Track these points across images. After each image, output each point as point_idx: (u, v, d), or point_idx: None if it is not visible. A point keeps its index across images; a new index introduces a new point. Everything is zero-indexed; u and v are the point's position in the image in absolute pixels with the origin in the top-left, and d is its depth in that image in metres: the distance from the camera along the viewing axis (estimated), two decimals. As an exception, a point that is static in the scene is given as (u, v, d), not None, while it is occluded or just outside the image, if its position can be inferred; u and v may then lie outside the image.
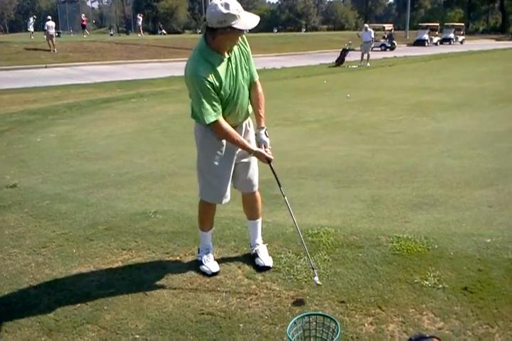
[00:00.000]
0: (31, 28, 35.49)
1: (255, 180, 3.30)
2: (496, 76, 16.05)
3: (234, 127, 2.99)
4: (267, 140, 3.09)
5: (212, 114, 2.85)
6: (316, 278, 2.98)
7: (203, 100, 2.82)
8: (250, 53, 3.02)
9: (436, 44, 42.49)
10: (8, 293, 3.12)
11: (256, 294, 3.01)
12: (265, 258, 3.34)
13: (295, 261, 3.37)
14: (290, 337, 2.30)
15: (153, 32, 56.14)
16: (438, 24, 46.83)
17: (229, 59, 2.87)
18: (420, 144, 6.93)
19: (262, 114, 3.09)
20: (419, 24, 48.48)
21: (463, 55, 29.31)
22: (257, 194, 3.38)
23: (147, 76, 18.19)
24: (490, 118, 8.80)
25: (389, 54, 30.20)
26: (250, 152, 3.02)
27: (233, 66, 2.89)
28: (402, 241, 3.59)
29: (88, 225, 4.20)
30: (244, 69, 2.96)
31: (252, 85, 3.07)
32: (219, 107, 2.87)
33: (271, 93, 13.11)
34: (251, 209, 3.40)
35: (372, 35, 21.92)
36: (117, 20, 64.68)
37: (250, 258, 3.41)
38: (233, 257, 3.47)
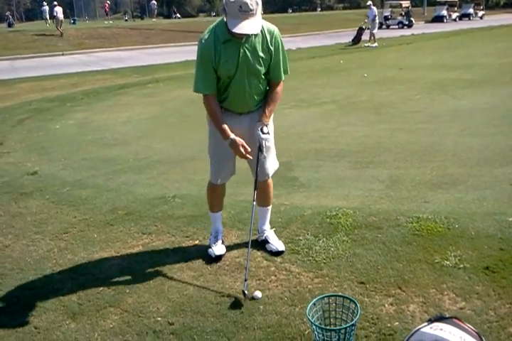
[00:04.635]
0: (47, 16, 35.55)
1: (266, 170, 3.22)
2: (517, 51, 15.65)
3: (237, 115, 3.04)
4: (263, 136, 2.97)
5: (202, 85, 2.91)
6: (246, 292, 2.79)
7: (199, 68, 2.89)
8: (280, 51, 2.95)
9: (455, 20, 41.52)
10: (32, 278, 3.19)
11: (275, 276, 3.03)
12: (276, 243, 3.34)
13: (314, 243, 3.38)
14: (310, 318, 2.31)
15: (168, 16, 55.78)
16: (457, -1, 45.73)
17: (239, 42, 2.81)
18: (439, 123, 6.82)
19: (266, 111, 3.01)
20: (437, 0, 47.32)
21: (482, 30, 28.59)
22: (269, 181, 3.34)
23: (163, 61, 18.17)
24: (511, 95, 8.61)
25: (406, 31, 29.63)
26: (225, 139, 2.95)
27: (241, 50, 2.83)
28: (422, 221, 3.57)
29: (108, 210, 4.25)
30: (256, 60, 2.88)
31: (273, 84, 3.04)
32: (212, 82, 2.90)
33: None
34: (260, 196, 3.30)
35: (375, 13, 21.36)
36: (132, 5, 64.46)
37: (259, 245, 3.39)
38: (252, 240, 3.46)
